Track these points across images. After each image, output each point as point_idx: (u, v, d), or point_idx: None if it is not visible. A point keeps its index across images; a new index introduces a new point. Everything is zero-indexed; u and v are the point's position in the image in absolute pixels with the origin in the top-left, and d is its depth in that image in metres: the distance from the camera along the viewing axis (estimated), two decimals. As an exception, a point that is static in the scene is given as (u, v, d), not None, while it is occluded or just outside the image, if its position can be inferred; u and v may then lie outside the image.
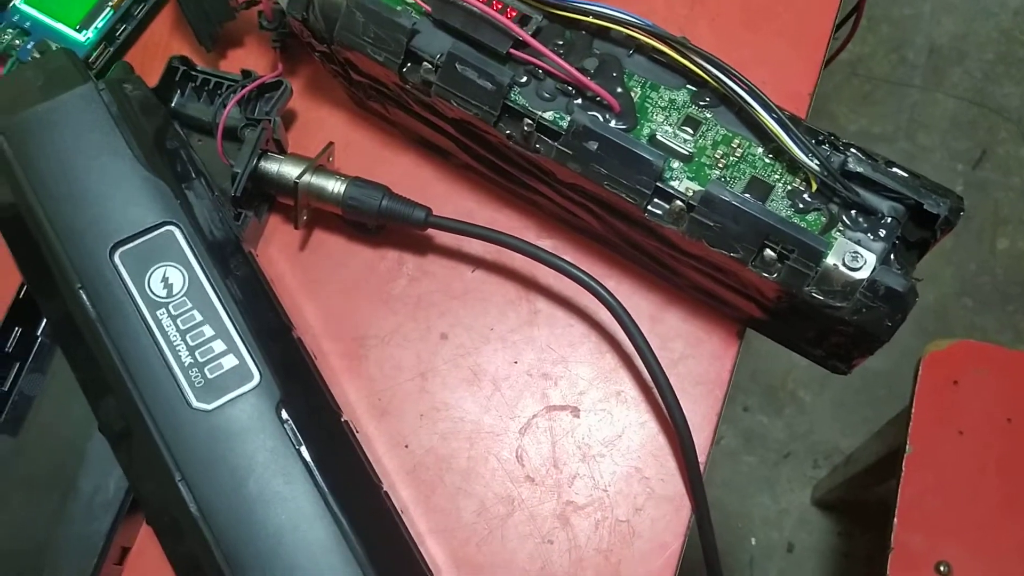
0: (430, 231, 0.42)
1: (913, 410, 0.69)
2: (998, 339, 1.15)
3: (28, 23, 0.44)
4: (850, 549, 1.07)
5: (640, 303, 0.41)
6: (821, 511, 1.09)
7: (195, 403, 0.32)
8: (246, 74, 0.42)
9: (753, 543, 1.08)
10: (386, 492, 0.34)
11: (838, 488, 1.01)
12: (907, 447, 0.68)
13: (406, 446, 0.39)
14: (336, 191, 0.40)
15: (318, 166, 0.40)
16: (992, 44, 1.29)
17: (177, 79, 0.42)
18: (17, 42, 0.44)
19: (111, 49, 0.45)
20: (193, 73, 0.42)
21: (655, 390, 0.38)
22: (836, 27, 0.59)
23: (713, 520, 0.37)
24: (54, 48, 0.42)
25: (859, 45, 1.30)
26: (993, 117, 1.25)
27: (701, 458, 0.38)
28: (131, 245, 0.33)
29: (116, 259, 0.33)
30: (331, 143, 0.42)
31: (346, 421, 0.35)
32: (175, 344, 0.32)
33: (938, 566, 0.65)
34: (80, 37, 0.44)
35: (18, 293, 0.39)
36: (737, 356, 0.40)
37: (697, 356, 0.40)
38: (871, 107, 1.27)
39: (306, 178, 0.39)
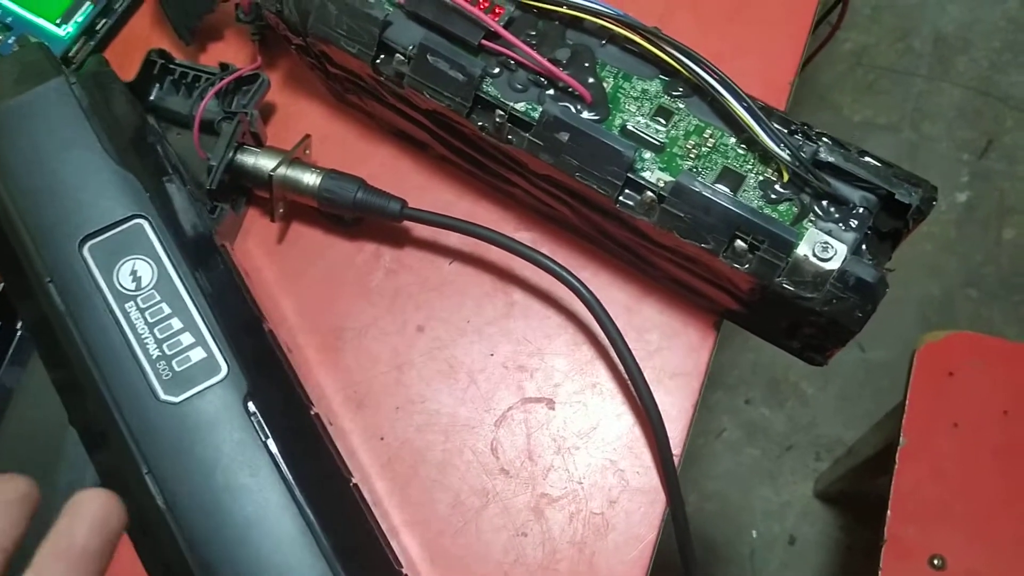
0: (408, 224, 0.42)
1: (908, 402, 0.68)
2: (1004, 330, 1.14)
3: (9, 18, 0.44)
4: (852, 542, 1.07)
5: (616, 295, 0.41)
6: (823, 504, 1.09)
7: (163, 395, 0.32)
8: (224, 67, 0.42)
9: (754, 535, 1.08)
10: (355, 484, 0.34)
11: (840, 481, 1.01)
12: (901, 439, 0.67)
13: (381, 438, 0.39)
14: (311, 183, 0.40)
15: (294, 159, 0.40)
16: (999, 32, 1.27)
17: (155, 72, 0.42)
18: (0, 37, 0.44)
19: (91, 43, 0.45)
20: (171, 66, 0.42)
21: (630, 382, 0.38)
22: (823, 16, 0.59)
23: (714, 512, 0.37)
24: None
25: (863, 34, 1.29)
26: (999, 106, 1.24)
27: (676, 450, 0.38)
28: (100, 238, 0.33)
29: (85, 252, 0.33)
30: (307, 135, 0.42)
31: (316, 414, 0.35)
32: (143, 337, 0.32)
33: (932, 559, 0.64)
34: (60, 31, 0.44)
35: (-3, 287, 0.39)
36: (714, 348, 0.40)
37: (673, 348, 0.40)
38: (876, 97, 1.26)
39: (281, 170, 0.40)
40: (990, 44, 1.27)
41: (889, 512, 0.65)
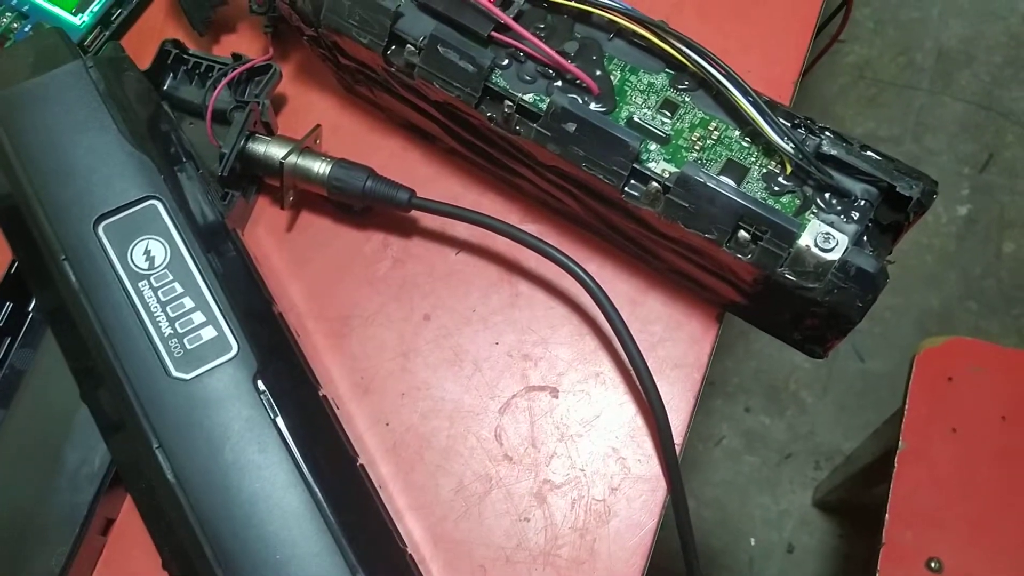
0: (415, 215, 0.42)
1: (907, 407, 0.69)
2: (1002, 343, 1.14)
3: (26, 7, 0.45)
4: (850, 551, 1.07)
5: (621, 287, 0.41)
6: (822, 513, 1.09)
7: (174, 372, 0.32)
8: (236, 57, 0.43)
9: (753, 543, 1.08)
10: (362, 465, 0.35)
11: (838, 489, 1.01)
12: (900, 443, 0.68)
13: (387, 424, 0.39)
14: (321, 172, 0.40)
15: (304, 148, 0.41)
16: (1001, 47, 1.28)
17: (169, 62, 0.43)
18: (15, 25, 0.45)
19: (106, 33, 0.46)
20: (185, 56, 0.43)
21: (633, 372, 0.39)
22: (823, 25, 0.60)
23: (712, 520, 0.38)
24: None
25: (866, 48, 1.30)
26: (1001, 121, 1.25)
27: (677, 440, 0.38)
28: (115, 218, 0.34)
29: (100, 232, 0.34)
30: (318, 125, 0.42)
31: (324, 395, 0.35)
32: (155, 315, 0.33)
33: (929, 562, 0.64)
34: (76, 21, 0.45)
35: (10, 268, 0.39)
36: (716, 340, 0.40)
37: (676, 339, 0.40)
38: (878, 110, 1.27)
39: (292, 159, 0.40)
40: (992, 59, 1.28)
41: (887, 515, 0.66)
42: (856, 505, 1.05)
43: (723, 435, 1.13)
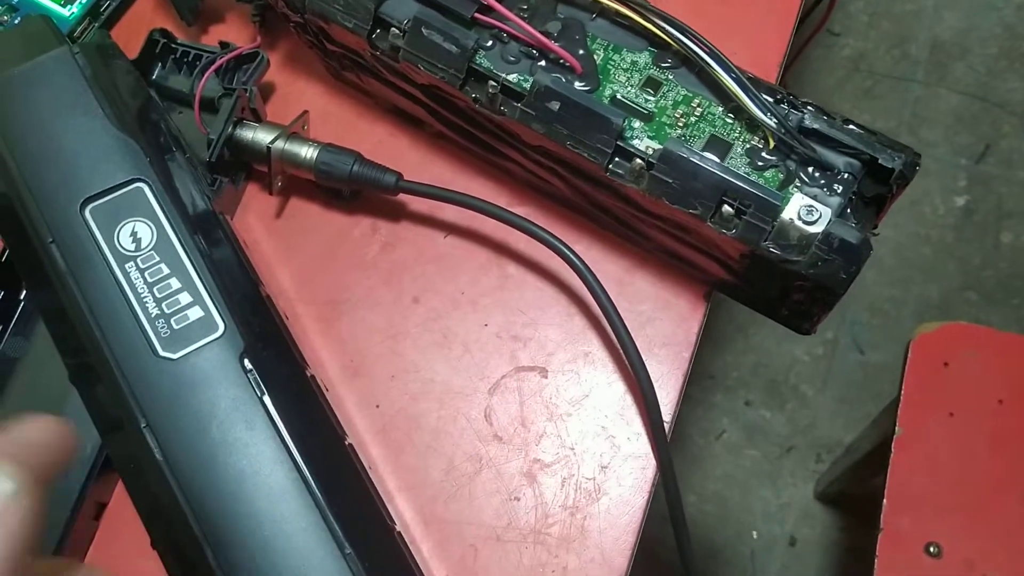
0: (404, 199, 0.42)
1: (903, 392, 0.69)
2: (1002, 333, 1.14)
3: (16, -1, 0.46)
4: (852, 543, 1.07)
5: (609, 267, 0.41)
6: (823, 505, 1.09)
7: (161, 352, 0.32)
8: (224, 46, 0.43)
9: (755, 537, 1.08)
10: (351, 444, 0.35)
11: (839, 481, 1.01)
12: (897, 429, 0.68)
13: (377, 406, 0.40)
14: (309, 156, 0.40)
15: (292, 133, 0.41)
16: (995, 39, 1.28)
17: (157, 51, 0.43)
18: (5, 17, 0.45)
19: (95, 24, 0.46)
20: (173, 46, 0.43)
21: (622, 351, 0.39)
22: (814, 4, 0.60)
23: (714, 514, 0.38)
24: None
25: (861, 41, 1.30)
26: (996, 111, 1.25)
27: (666, 417, 0.38)
28: (101, 201, 0.34)
29: (87, 214, 0.34)
30: (305, 111, 0.43)
31: (312, 375, 0.35)
32: (142, 296, 0.33)
33: (928, 547, 0.64)
34: (65, 12, 0.45)
35: (0, 257, 0.40)
36: (704, 318, 0.40)
37: (664, 318, 0.40)
38: (873, 102, 1.27)
39: (279, 144, 0.40)
40: (987, 50, 1.28)
41: (885, 501, 0.66)
42: (857, 497, 1.05)
43: (724, 429, 1.13)
